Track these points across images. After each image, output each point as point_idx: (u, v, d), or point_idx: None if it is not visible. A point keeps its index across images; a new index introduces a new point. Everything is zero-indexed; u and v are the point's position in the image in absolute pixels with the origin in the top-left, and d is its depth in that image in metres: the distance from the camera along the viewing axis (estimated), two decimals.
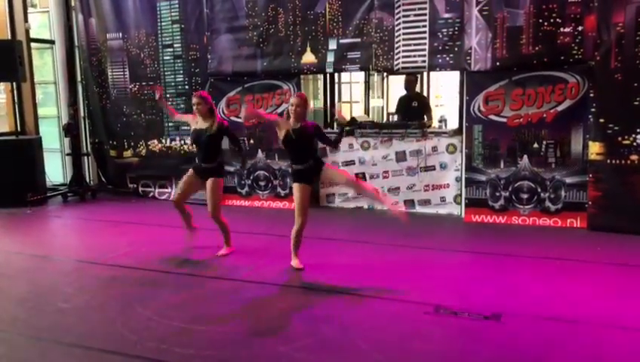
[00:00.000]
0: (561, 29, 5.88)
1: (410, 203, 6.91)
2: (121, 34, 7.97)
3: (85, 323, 3.90)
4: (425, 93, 9.36)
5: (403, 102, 7.93)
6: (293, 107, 4.69)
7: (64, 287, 4.59)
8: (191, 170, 5.30)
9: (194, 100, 5.19)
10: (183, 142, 7.88)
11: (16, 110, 8.18)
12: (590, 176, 5.96)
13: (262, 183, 7.54)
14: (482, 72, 6.27)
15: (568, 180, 6.12)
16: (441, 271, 4.82)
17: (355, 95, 10.48)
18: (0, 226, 6.79)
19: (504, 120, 6.25)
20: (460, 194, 6.66)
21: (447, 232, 6.26)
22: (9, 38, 7.86)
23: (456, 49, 6.34)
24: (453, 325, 3.74)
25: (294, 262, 4.88)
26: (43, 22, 8.82)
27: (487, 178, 6.43)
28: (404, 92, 7.95)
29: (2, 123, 8.53)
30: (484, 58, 6.22)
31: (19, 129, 8.13)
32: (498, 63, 6.17)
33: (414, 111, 7.60)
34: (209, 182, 5.17)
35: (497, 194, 6.40)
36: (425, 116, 7.56)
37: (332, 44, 6.88)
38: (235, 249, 5.33)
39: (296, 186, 4.78)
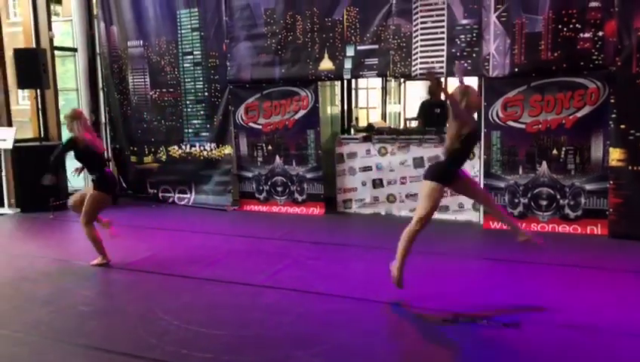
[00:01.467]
0: (581, 35, 5.83)
1: None
2: (141, 41, 8.09)
3: (106, 327, 3.96)
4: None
5: (426, 108, 7.92)
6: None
7: (85, 291, 4.67)
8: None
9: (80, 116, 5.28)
10: (202, 148, 7.97)
11: (40, 117, 8.34)
12: (611, 182, 5.89)
13: (279, 189, 7.59)
14: (500, 78, 6.24)
15: (588, 187, 6.06)
16: (460, 278, 4.80)
17: (372, 101, 10.50)
18: (24, 230, 6.93)
19: (523, 126, 6.22)
20: None
21: (466, 239, 6.23)
22: (34, 46, 8.03)
23: (474, 55, 6.33)
24: (471, 332, 3.73)
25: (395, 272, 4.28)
26: (66, 30, 9.02)
27: (505, 184, 6.39)
28: (420, 97, 7.95)
29: (26, 129, 8.71)
30: (503, 64, 6.20)
31: (42, 135, 8.29)
32: (517, 69, 6.14)
33: (437, 117, 7.59)
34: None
35: (516, 200, 6.36)
36: (447, 123, 7.52)
37: (350, 51, 6.92)
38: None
39: (437, 186, 4.16)
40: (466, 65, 6.33)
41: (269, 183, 7.63)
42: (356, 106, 9.15)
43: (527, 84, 6.14)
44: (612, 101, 5.80)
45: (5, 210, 7.75)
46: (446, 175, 4.21)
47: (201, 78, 7.84)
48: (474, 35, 6.30)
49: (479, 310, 4.02)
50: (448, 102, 4.14)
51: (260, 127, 7.54)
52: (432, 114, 7.69)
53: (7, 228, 7.06)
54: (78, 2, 8.48)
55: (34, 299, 4.51)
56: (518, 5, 6.06)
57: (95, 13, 8.49)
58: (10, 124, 7.81)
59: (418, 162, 6.89)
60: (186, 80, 7.94)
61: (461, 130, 4.12)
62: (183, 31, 7.81)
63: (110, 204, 5.42)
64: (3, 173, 7.74)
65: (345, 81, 7.77)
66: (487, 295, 4.39)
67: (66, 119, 5.26)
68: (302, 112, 7.29)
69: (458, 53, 6.39)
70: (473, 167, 6.63)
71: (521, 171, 6.31)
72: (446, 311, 4.00)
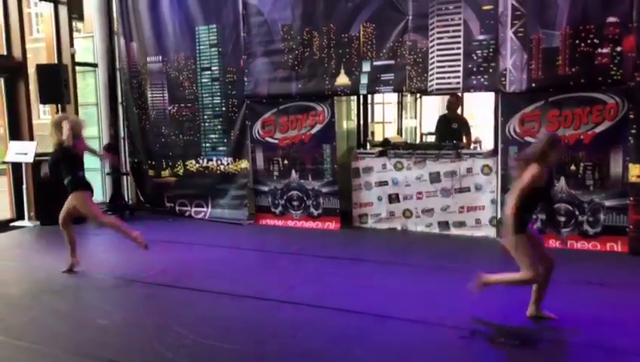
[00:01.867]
0: (599, 50, 5.80)
1: (444, 225, 6.85)
2: (160, 57, 8.22)
3: (122, 340, 3.99)
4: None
5: (443, 123, 7.91)
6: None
7: (103, 304, 4.71)
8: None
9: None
10: (219, 162, 8.03)
11: None
12: (631, 199, 5.81)
13: (295, 203, 7.60)
14: (517, 93, 6.22)
15: (607, 203, 5.98)
16: (478, 295, 4.74)
17: (388, 115, 10.50)
18: (43, 243, 7.02)
19: None
20: (496, 216, 6.57)
21: (483, 255, 6.16)
22: (56, 62, 8.19)
23: (490, 70, 6.32)
24: (488, 350, 3.68)
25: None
26: (86, 46, 9.18)
27: None
28: (437, 112, 7.95)
29: (47, 143, 8.85)
30: (520, 79, 6.18)
31: None
32: (534, 85, 6.12)
33: (454, 132, 7.59)
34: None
35: (534, 216, 6.29)
36: (464, 139, 7.53)
37: (366, 66, 6.95)
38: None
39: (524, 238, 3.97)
40: (482, 80, 6.33)
41: (284, 197, 7.65)
42: (372, 121, 9.16)
43: (545, 99, 6.11)
44: (631, 116, 5.74)
45: (25, 222, 7.86)
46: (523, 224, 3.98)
47: (218, 93, 7.93)
48: (490, 50, 6.30)
49: (497, 327, 3.96)
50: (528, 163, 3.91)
51: (277, 141, 7.58)
52: (448, 128, 7.68)
53: (26, 241, 7.16)
54: (99, 19, 8.67)
55: (53, 311, 4.56)
56: (535, 21, 6.05)
57: (115, 29, 8.66)
58: (31, 138, 7.96)
59: (434, 177, 6.86)
60: (204, 95, 8.03)
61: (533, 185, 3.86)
62: (201, 47, 7.92)
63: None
64: (24, 187, 7.86)
65: (361, 96, 7.79)
66: (506, 312, 4.33)
67: (52, 127, 5.43)
68: (318, 127, 7.32)
69: (475, 69, 6.39)
70: (490, 183, 6.59)
71: None
72: (463, 327, 3.96)
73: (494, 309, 4.40)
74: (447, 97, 8.12)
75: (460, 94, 7.75)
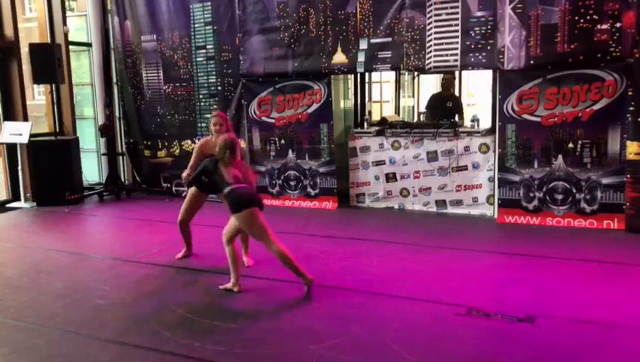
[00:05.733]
0: (598, 26, 5.74)
1: (441, 203, 6.86)
2: (155, 36, 8.13)
3: (120, 320, 4.00)
4: (457, 92, 9.28)
5: (437, 101, 7.87)
6: None
7: (100, 284, 4.71)
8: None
9: (216, 120, 5.10)
10: None
11: (55, 111, 8.41)
12: (628, 176, 5.81)
13: (292, 183, 7.58)
14: (516, 70, 6.17)
15: (605, 181, 5.98)
16: (474, 273, 4.77)
17: (386, 94, 10.44)
18: (40, 224, 7.00)
19: (538, 119, 6.15)
20: (493, 195, 6.58)
21: (480, 233, 6.19)
22: (49, 41, 8.09)
23: (488, 47, 6.26)
24: (485, 327, 3.70)
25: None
26: (80, 25, 9.07)
27: (520, 178, 6.33)
28: (434, 90, 7.89)
29: (42, 124, 8.80)
30: (518, 57, 6.12)
31: (57, 130, 8.37)
32: (532, 62, 6.07)
33: (448, 111, 7.56)
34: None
35: (531, 194, 6.30)
36: (457, 117, 7.52)
37: (363, 44, 6.87)
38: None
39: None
40: (480, 57, 6.27)
41: (281, 177, 7.63)
42: (369, 100, 9.10)
43: (543, 76, 6.06)
44: (630, 93, 5.71)
45: (21, 203, 7.84)
46: None
47: (214, 72, 7.85)
48: (489, 27, 6.23)
49: (493, 304, 3.99)
50: None
51: (273, 121, 7.53)
52: (444, 107, 7.63)
53: (23, 222, 7.14)
54: None
55: (50, 291, 4.56)
56: None
57: (109, 8, 8.54)
58: (26, 119, 7.89)
59: (432, 156, 6.84)
60: (199, 74, 7.96)
61: None
62: (196, 25, 7.82)
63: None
64: (19, 167, 7.82)
65: (358, 75, 7.73)
66: (502, 289, 4.35)
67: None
68: (315, 106, 7.27)
69: (472, 46, 6.32)
70: (488, 161, 6.57)
71: (536, 165, 6.25)
72: (459, 305, 3.98)
73: (490, 286, 4.42)
74: (443, 75, 8.07)
75: (456, 73, 7.69)
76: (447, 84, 7.84)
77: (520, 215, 6.36)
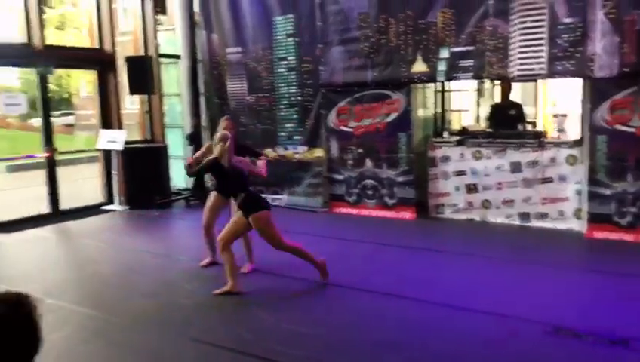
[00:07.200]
0: None
1: (525, 216, 6.61)
2: (240, 48, 8.42)
3: (205, 320, 4.18)
4: (539, 102, 8.93)
5: (499, 111, 7.59)
6: None
7: (186, 285, 4.94)
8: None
9: (226, 125, 5.38)
10: (295, 150, 8.15)
11: (147, 120, 8.91)
12: None
13: (369, 192, 7.59)
14: (608, 78, 5.87)
15: None
16: (561, 289, 4.57)
17: (465, 103, 10.20)
18: (132, 226, 7.44)
19: (633, 130, 5.81)
20: (581, 209, 6.27)
21: (567, 248, 5.91)
22: (143, 54, 8.60)
23: (577, 55, 6.00)
24: (575, 348, 3.54)
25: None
26: (168, 38, 9.56)
27: (612, 192, 5.99)
28: (518, 100, 7.63)
29: (133, 131, 9.35)
30: (610, 64, 5.82)
31: (151, 137, 8.85)
32: (626, 69, 5.75)
33: (513, 119, 7.28)
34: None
35: (624, 209, 5.95)
36: (520, 125, 7.26)
37: (444, 53, 6.79)
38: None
39: None
40: (568, 65, 6.02)
41: (359, 186, 7.66)
42: (449, 109, 8.96)
43: (638, 85, 5.73)
44: None
45: (116, 206, 8.36)
46: None
47: (294, 83, 8.03)
48: (577, 33, 5.97)
49: (582, 324, 3.80)
50: None
51: (351, 130, 7.59)
52: (506, 116, 7.35)
53: (117, 224, 7.60)
54: (182, 12, 8.97)
55: (141, 290, 4.84)
56: (628, 1, 5.67)
57: (197, 22, 8.95)
58: (120, 127, 8.42)
59: (516, 167, 6.63)
60: (280, 84, 8.16)
61: None
62: (278, 37, 8.04)
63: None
64: (114, 172, 8.35)
65: (438, 84, 7.64)
66: (592, 308, 4.14)
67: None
68: (393, 115, 7.26)
69: (560, 54, 6.08)
70: (575, 174, 6.28)
71: (630, 178, 5.90)
72: (547, 323, 3.83)
73: (579, 305, 4.22)
74: (528, 84, 7.79)
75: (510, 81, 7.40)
76: (505, 92, 7.55)
77: (611, 230, 6.01)
